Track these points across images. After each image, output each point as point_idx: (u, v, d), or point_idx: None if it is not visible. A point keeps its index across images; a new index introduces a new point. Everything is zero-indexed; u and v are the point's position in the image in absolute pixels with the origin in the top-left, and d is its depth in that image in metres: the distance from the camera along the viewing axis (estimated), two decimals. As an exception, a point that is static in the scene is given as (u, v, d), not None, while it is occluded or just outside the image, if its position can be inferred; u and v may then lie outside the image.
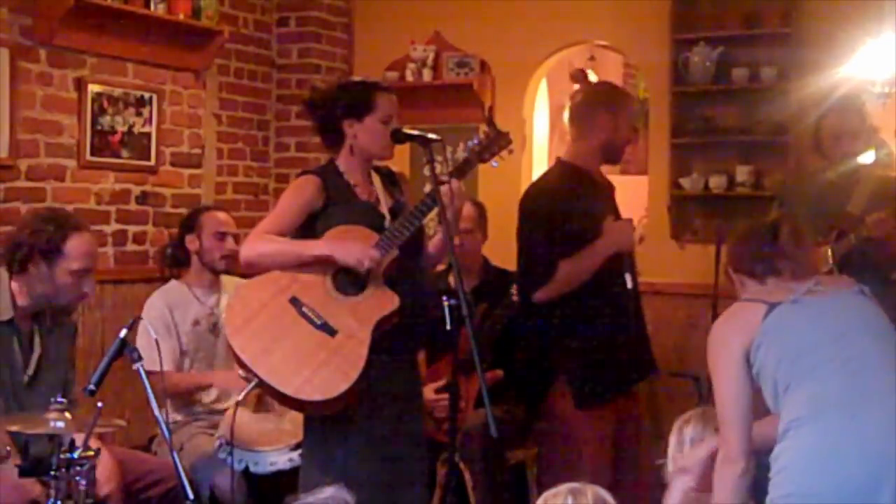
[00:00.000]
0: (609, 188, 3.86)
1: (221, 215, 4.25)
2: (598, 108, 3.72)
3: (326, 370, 2.99)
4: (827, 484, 2.46)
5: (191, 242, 4.18)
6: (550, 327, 3.64)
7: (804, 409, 2.52)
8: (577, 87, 3.98)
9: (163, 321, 4.00)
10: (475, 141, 3.39)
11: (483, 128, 3.97)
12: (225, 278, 4.24)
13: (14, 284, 3.30)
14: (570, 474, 3.10)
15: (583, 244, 3.57)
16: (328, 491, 2.16)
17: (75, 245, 3.26)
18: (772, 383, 2.59)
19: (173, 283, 4.20)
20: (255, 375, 3.01)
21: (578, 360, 3.60)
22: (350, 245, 3.12)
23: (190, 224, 4.22)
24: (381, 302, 3.12)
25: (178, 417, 4.00)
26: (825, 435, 2.50)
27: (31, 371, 3.31)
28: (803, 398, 2.54)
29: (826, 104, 4.30)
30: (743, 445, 2.58)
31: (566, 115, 3.91)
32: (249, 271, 3.28)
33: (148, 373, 2.80)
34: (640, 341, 3.77)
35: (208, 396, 4.06)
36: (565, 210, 3.62)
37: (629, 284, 3.56)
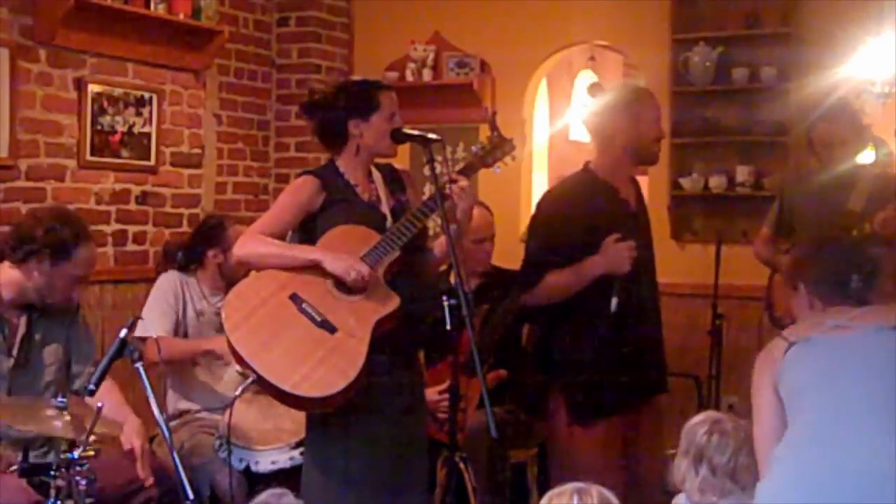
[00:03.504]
0: (636, 200, 3.75)
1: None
2: (617, 112, 3.60)
3: (325, 367, 2.99)
4: None
5: (215, 256, 4.12)
6: (544, 336, 3.64)
7: (783, 448, 2.55)
8: (594, 99, 3.85)
9: (173, 293, 4.03)
10: (478, 145, 3.39)
11: (485, 131, 3.96)
12: None
13: (5, 274, 3.31)
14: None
15: (580, 257, 3.49)
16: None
17: (85, 253, 3.32)
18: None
19: (182, 274, 4.20)
20: (253, 371, 3.00)
21: (567, 375, 3.55)
22: (340, 255, 3.11)
23: (215, 237, 4.14)
24: (382, 302, 3.11)
25: (181, 407, 4.01)
26: (797, 469, 2.51)
27: (15, 353, 3.32)
28: (787, 438, 2.56)
29: (818, 111, 4.30)
30: None
31: (586, 126, 3.81)
32: (242, 269, 3.29)
33: (143, 338, 2.83)
34: (650, 360, 3.67)
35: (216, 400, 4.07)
36: (568, 221, 3.55)
37: (613, 308, 3.43)
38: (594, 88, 3.91)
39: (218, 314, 4.05)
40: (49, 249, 3.25)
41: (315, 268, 3.15)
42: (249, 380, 3.04)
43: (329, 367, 2.99)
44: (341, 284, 3.14)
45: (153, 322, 3.60)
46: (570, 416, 3.54)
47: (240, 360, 3.06)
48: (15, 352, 3.32)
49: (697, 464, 2.67)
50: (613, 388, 3.51)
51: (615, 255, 3.47)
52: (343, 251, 3.16)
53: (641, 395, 3.65)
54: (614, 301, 3.43)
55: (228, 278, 4.10)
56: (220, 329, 4.05)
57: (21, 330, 3.35)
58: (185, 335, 4.08)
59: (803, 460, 2.51)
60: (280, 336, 3.03)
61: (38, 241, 3.26)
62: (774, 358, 2.67)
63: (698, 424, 2.70)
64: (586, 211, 3.57)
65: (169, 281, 4.10)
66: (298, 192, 3.27)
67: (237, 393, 3.17)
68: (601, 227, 3.52)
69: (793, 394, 2.61)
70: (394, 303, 3.12)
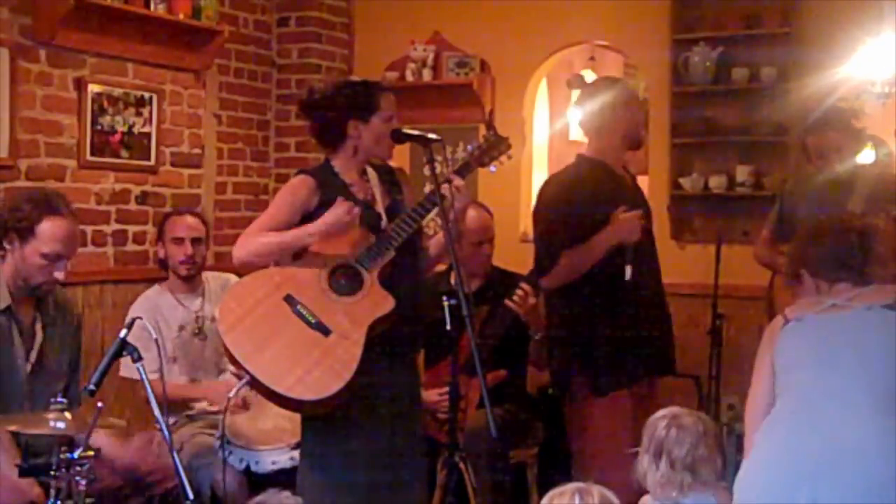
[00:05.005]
0: (631, 179, 3.93)
1: (188, 219, 4.20)
2: (613, 106, 3.77)
3: (319, 370, 2.99)
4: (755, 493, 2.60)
5: (159, 249, 4.21)
6: (566, 314, 3.73)
7: (766, 425, 2.69)
8: (577, 92, 4.02)
9: (145, 329, 3.98)
10: (474, 144, 3.39)
11: (483, 131, 3.98)
12: (208, 275, 4.23)
13: (1, 269, 3.30)
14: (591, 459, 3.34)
15: (589, 234, 3.62)
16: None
17: (47, 228, 3.26)
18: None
19: (155, 287, 4.21)
20: (248, 373, 3.00)
21: (589, 348, 3.67)
22: (328, 213, 3.14)
23: (159, 231, 4.25)
24: (377, 303, 3.11)
25: (174, 419, 4.00)
26: (779, 446, 2.62)
27: (33, 359, 3.32)
28: (772, 415, 2.69)
29: (808, 121, 4.32)
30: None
31: (579, 120, 3.96)
32: (244, 271, 3.28)
33: (132, 381, 2.81)
34: (659, 336, 3.81)
35: (200, 403, 4.05)
36: (573, 200, 3.68)
37: (628, 276, 3.57)
38: (574, 81, 4.03)
39: (197, 318, 4.06)
40: (14, 230, 3.25)
41: (311, 269, 3.15)
42: (244, 381, 3.04)
43: (324, 370, 2.99)
44: (336, 285, 3.14)
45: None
46: (592, 390, 3.65)
47: (234, 361, 3.06)
48: (33, 357, 3.32)
49: (657, 458, 2.71)
50: (630, 358, 3.65)
51: (624, 224, 3.63)
52: (338, 251, 3.16)
53: (650, 369, 3.80)
54: (628, 269, 3.57)
55: (174, 271, 4.12)
56: (198, 335, 4.07)
57: (39, 337, 3.35)
58: (174, 360, 4.07)
59: (785, 438, 2.62)
60: (274, 338, 3.03)
61: (1, 222, 3.27)
62: (774, 333, 2.80)
63: (658, 420, 2.76)
64: (587, 188, 3.70)
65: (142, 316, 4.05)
66: (294, 193, 3.27)
67: (231, 394, 3.17)
68: (604, 201, 3.67)
69: (782, 370, 2.72)
70: (389, 304, 3.11)
